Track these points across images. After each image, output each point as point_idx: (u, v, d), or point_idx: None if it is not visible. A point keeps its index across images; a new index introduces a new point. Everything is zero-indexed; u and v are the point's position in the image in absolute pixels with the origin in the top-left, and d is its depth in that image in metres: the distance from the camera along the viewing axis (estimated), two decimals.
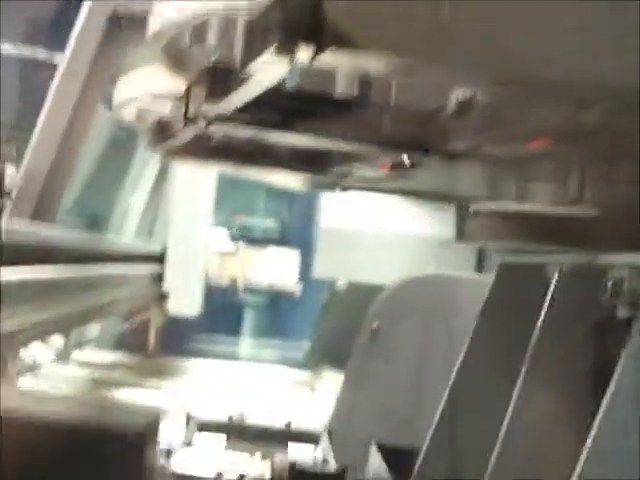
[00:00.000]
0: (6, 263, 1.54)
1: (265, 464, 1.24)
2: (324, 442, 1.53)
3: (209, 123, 1.10)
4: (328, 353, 3.62)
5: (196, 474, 1.18)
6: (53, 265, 1.81)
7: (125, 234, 3.71)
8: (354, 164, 1.31)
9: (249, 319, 5.05)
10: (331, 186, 1.48)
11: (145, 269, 3.09)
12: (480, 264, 3.48)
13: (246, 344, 4.96)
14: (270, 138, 1.17)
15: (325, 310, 3.89)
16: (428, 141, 1.12)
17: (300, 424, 2.23)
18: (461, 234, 3.91)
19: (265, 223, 4.84)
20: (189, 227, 3.32)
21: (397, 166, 1.26)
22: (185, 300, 3.37)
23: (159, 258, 3.31)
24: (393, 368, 1.97)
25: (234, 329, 5.05)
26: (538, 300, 1.31)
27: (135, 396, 2.76)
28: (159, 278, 3.31)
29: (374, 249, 3.34)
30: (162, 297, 3.35)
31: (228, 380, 3.32)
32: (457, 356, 1.60)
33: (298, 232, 4.60)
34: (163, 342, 3.86)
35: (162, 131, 1.29)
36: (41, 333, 1.82)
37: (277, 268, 3.76)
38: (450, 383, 1.53)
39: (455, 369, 1.49)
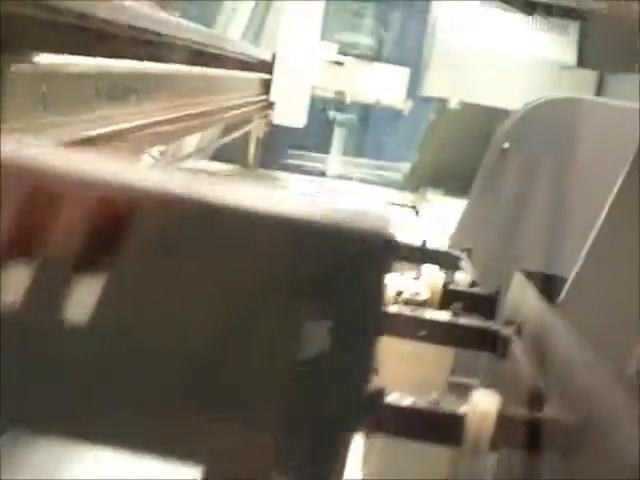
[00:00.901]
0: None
1: (416, 283, 1.17)
2: (465, 265, 1.45)
3: None
4: (432, 176, 3.53)
5: None
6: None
7: (233, 26, 3.61)
8: None
9: (346, 137, 4.95)
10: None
11: (254, 76, 2.99)
12: (599, 92, 3.30)
13: (344, 162, 4.87)
14: None
15: (432, 131, 3.76)
16: None
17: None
18: (583, 59, 3.72)
19: (373, 40, 4.65)
20: (298, 37, 3.19)
21: None
22: (291, 110, 3.28)
23: (268, 66, 3.20)
24: (525, 190, 1.88)
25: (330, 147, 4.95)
26: None
27: None
28: (267, 86, 3.22)
29: (491, 70, 3.17)
30: (268, 106, 3.27)
31: (328, 196, 3.26)
32: (599, 185, 1.49)
33: (406, 51, 4.42)
34: (261, 157, 3.80)
35: None
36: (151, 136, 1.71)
37: (385, 84, 3.63)
38: (604, 214, 1.43)
39: (611, 197, 1.38)
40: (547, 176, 1.87)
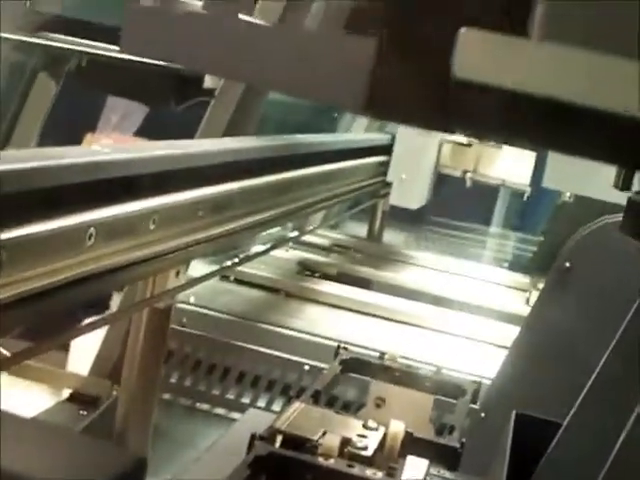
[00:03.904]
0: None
1: (372, 434, 1.21)
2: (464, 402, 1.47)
3: None
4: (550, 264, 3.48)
5: (300, 433, 1.17)
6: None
7: (355, 130, 3.80)
8: None
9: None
10: None
11: (370, 161, 3.09)
12: None
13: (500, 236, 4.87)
14: None
15: (553, 219, 3.74)
16: None
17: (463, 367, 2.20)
18: None
19: None
20: None
21: None
22: (407, 191, 3.34)
23: (386, 149, 3.30)
24: (576, 322, 1.86)
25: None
26: None
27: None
28: (384, 168, 3.31)
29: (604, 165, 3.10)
30: (385, 187, 3.35)
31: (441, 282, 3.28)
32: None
33: None
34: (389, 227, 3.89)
35: None
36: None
37: (512, 166, 3.63)
38: (605, 356, 1.41)
39: (615, 340, 1.36)
40: (599, 305, 1.84)
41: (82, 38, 2.07)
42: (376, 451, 1.18)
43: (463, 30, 0.51)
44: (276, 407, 2.21)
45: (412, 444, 1.24)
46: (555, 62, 0.49)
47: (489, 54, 0.50)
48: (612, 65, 0.48)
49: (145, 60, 1.78)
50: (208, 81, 1.90)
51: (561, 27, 0.49)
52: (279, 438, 1.14)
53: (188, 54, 0.77)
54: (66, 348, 2.89)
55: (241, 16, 0.69)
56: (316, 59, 0.57)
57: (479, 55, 0.50)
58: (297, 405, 1.25)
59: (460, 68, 0.51)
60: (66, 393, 2.04)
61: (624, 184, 0.77)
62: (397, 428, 1.23)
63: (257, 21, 0.66)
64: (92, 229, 1.16)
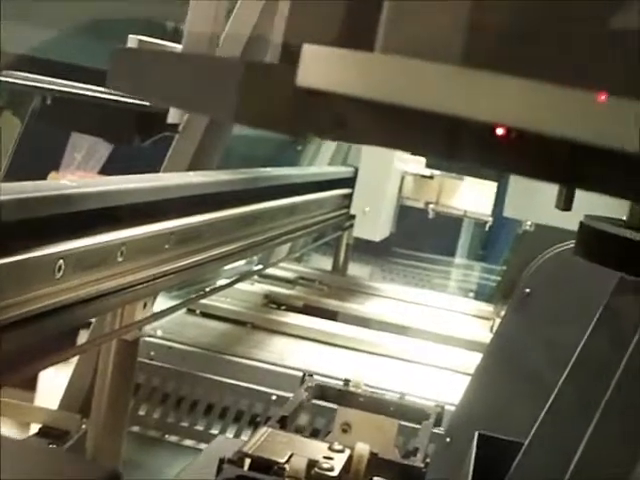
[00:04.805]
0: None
1: (337, 456, 1.24)
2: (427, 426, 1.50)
3: None
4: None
5: (268, 456, 1.20)
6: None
7: (318, 163, 3.86)
8: None
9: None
10: None
11: (333, 193, 3.14)
12: None
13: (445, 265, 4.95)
14: None
15: (515, 248, 3.81)
16: None
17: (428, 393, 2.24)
18: None
19: None
20: (383, 153, 3.30)
21: None
22: (371, 223, 3.39)
23: (349, 182, 3.35)
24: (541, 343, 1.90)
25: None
26: None
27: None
28: (348, 201, 3.35)
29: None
30: (349, 219, 3.40)
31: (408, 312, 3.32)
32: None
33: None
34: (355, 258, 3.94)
35: None
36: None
37: (473, 197, 3.70)
38: (564, 375, 1.45)
39: (572, 361, 1.40)
40: (561, 331, 1.88)
41: (47, 76, 2.10)
42: (342, 473, 1.21)
43: (306, 45, 0.58)
44: (244, 436, 2.23)
45: (377, 465, 1.27)
46: (378, 70, 0.56)
47: (325, 66, 0.57)
48: (442, 73, 0.54)
49: (109, 97, 1.81)
50: (172, 116, 1.93)
51: (395, 40, 0.55)
52: (247, 461, 1.17)
53: (172, 94, 0.82)
54: (33, 387, 2.88)
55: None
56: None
57: (317, 66, 0.57)
58: (264, 430, 1.28)
59: (301, 79, 0.59)
60: (35, 428, 2.05)
61: (565, 204, 0.81)
62: (362, 450, 1.26)
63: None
64: (61, 261, 1.18)
